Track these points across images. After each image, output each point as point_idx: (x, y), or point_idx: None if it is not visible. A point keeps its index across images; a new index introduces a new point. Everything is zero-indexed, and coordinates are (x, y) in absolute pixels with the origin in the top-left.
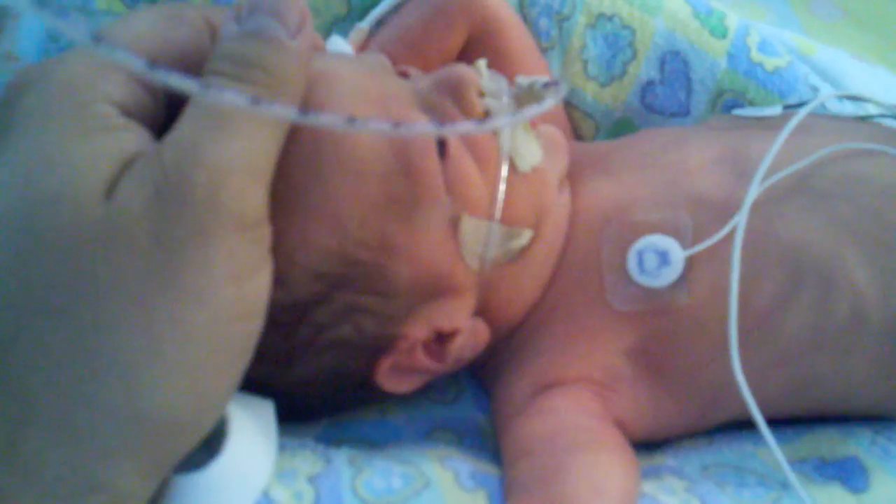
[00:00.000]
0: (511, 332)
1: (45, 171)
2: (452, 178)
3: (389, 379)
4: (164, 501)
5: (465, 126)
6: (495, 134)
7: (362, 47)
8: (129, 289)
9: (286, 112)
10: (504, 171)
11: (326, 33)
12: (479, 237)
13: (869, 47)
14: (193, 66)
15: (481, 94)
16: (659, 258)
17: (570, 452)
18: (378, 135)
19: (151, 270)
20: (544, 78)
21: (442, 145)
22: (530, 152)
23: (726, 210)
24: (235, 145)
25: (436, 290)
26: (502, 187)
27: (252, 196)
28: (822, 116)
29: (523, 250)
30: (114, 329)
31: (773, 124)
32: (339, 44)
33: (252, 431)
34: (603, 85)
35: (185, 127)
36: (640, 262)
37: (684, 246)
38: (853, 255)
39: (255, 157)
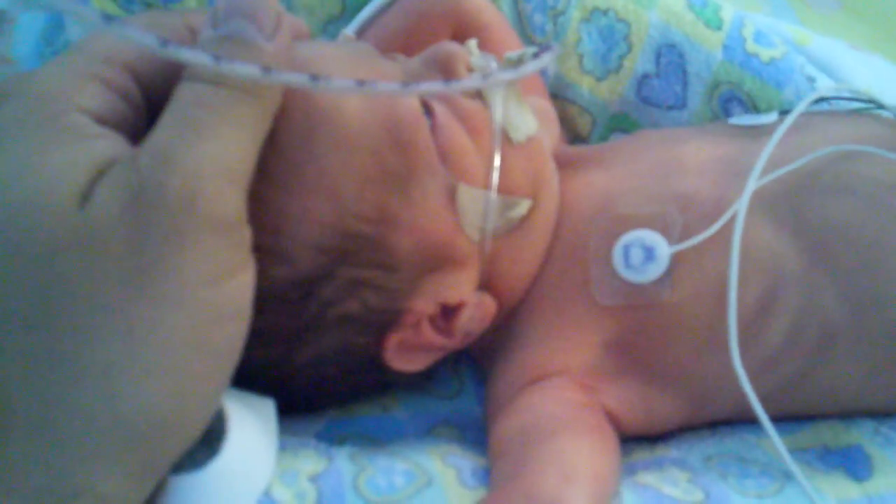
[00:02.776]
0: (511, 311)
1: (19, 180)
2: (444, 148)
3: (398, 356)
4: (163, 502)
5: (434, 86)
6: (486, 105)
7: None
8: (106, 294)
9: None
10: (497, 139)
11: (320, 33)
12: (478, 207)
13: (865, 38)
14: (174, 74)
15: (470, 70)
16: (645, 253)
17: (540, 442)
18: (368, 108)
19: (128, 276)
20: (533, 48)
21: (429, 113)
22: (524, 122)
23: (717, 210)
24: (211, 149)
25: (438, 261)
26: (497, 156)
27: (228, 199)
28: (819, 114)
29: (522, 220)
30: (91, 335)
31: (769, 130)
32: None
33: (252, 430)
34: (599, 79)
35: (160, 132)
36: (626, 257)
37: (671, 242)
38: (824, 276)
39: (230, 160)
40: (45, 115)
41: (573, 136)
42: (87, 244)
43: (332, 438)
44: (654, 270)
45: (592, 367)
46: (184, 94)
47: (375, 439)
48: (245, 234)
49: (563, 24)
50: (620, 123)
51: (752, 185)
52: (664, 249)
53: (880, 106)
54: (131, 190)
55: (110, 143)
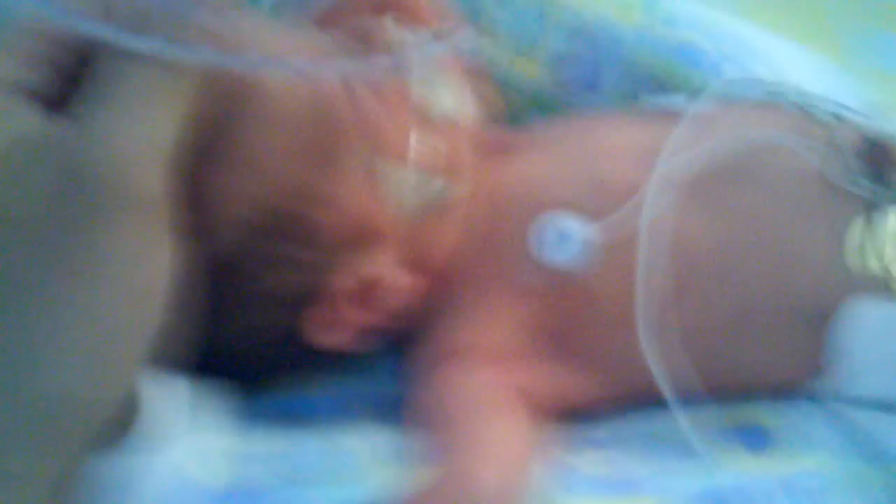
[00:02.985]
0: (433, 293)
1: None
2: (364, 124)
3: (318, 332)
4: (79, 483)
5: (348, 64)
6: (405, 83)
7: None
8: (27, 272)
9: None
10: (415, 118)
11: None
12: (396, 183)
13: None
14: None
15: (388, 47)
16: (559, 236)
17: (459, 424)
18: (290, 84)
19: (49, 253)
20: (447, 27)
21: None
22: (442, 101)
23: (629, 195)
24: (135, 127)
25: (358, 238)
26: (413, 133)
27: (152, 177)
28: (730, 102)
29: (440, 198)
30: (11, 315)
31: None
32: None
33: (165, 409)
34: (513, 60)
35: (83, 110)
36: (541, 239)
37: (585, 227)
38: (742, 259)
39: (155, 138)
40: None
41: (490, 114)
42: (7, 221)
43: (247, 416)
44: (568, 252)
45: (509, 346)
46: (106, 69)
47: (290, 416)
48: (167, 213)
49: (477, 5)
50: (536, 102)
51: (658, 176)
52: (578, 232)
53: (784, 95)
54: (55, 169)
55: (33, 117)
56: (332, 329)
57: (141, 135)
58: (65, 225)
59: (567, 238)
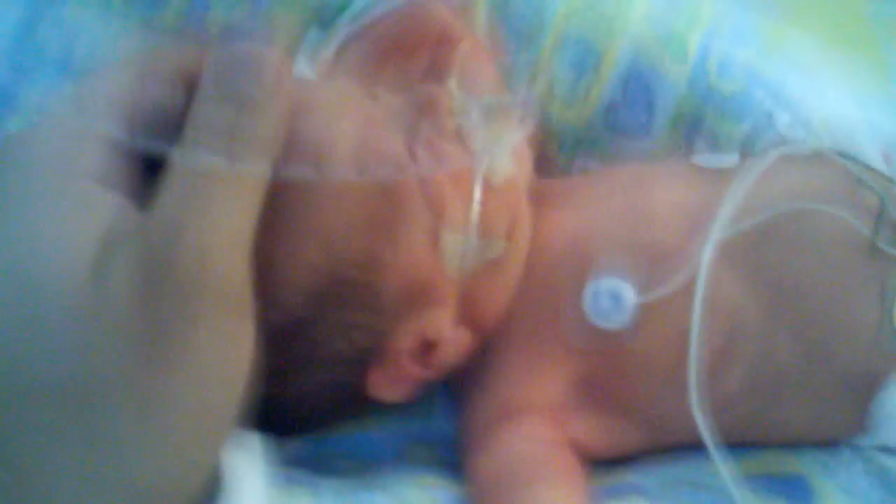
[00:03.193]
0: (485, 344)
1: (30, 258)
2: (428, 194)
3: (380, 389)
4: None
5: (426, 167)
6: (466, 148)
7: (327, 74)
8: (119, 369)
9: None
10: (478, 184)
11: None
12: (458, 249)
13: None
14: (171, 123)
15: (451, 113)
16: (612, 301)
17: (517, 489)
18: (358, 157)
19: (139, 351)
20: (512, 96)
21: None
22: (502, 164)
23: (682, 260)
24: (217, 220)
25: (420, 300)
26: (477, 201)
27: (235, 269)
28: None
29: (499, 259)
30: (104, 408)
31: (733, 175)
32: (302, 63)
33: (244, 470)
34: (568, 105)
35: (165, 202)
36: (595, 303)
37: (638, 292)
38: (789, 324)
39: (236, 229)
40: (51, 182)
41: (540, 156)
42: (99, 321)
43: (312, 461)
44: (620, 318)
45: (561, 401)
46: (185, 163)
47: (353, 459)
48: (248, 298)
49: (535, 50)
50: (586, 146)
51: (711, 245)
52: (630, 299)
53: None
54: (141, 265)
55: (118, 210)
56: (393, 385)
57: (221, 225)
58: (151, 318)
59: (620, 302)
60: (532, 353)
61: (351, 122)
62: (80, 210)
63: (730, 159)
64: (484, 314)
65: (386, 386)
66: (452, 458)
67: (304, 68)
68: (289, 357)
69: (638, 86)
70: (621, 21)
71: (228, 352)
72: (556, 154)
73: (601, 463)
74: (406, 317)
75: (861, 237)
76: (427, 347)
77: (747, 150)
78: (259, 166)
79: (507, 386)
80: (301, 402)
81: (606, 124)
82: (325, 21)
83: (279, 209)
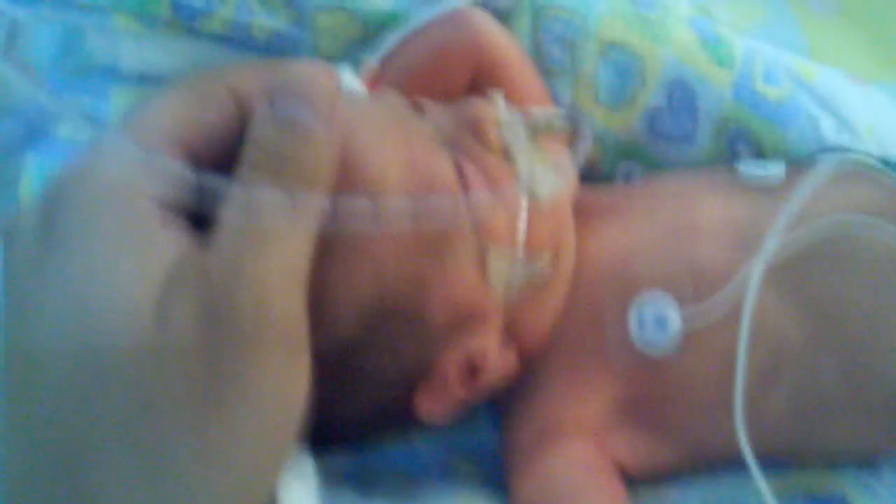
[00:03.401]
0: (529, 364)
1: (97, 293)
2: (476, 214)
3: (427, 408)
4: None
5: (480, 196)
6: (512, 164)
7: (372, 83)
8: (183, 409)
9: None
10: (524, 203)
11: (342, 55)
12: (504, 267)
13: (863, 43)
14: (227, 146)
15: (498, 128)
16: (657, 322)
17: None
18: (409, 178)
19: (203, 390)
20: (559, 110)
21: (461, 176)
22: (547, 181)
23: (726, 278)
24: (276, 257)
25: (467, 324)
26: (523, 219)
27: (293, 306)
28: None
29: (545, 276)
30: (170, 446)
31: (779, 190)
32: (350, 79)
33: (299, 498)
34: (612, 110)
35: (225, 238)
36: (640, 324)
37: (683, 311)
38: (833, 345)
39: (295, 265)
40: (115, 211)
41: (586, 169)
42: (164, 360)
43: (359, 475)
44: (665, 337)
45: (603, 423)
46: (244, 197)
47: (399, 474)
48: (304, 333)
49: (579, 56)
50: (629, 152)
51: (759, 269)
52: (676, 321)
53: (887, 164)
54: (203, 304)
55: (180, 240)
56: (439, 406)
57: (279, 262)
58: (212, 359)
59: (665, 323)
60: (575, 374)
61: (399, 143)
62: (142, 249)
63: (776, 172)
64: (529, 335)
65: (432, 408)
66: (497, 473)
67: (349, 78)
68: (336, 380)
69: (682, 91)
70: (665, 27)
71: (286, 389)
72: (599, 160)
73: (642, 479)
74: (453, 340)
75: None
76: (473, 369)
77: (792, 157)
78: (315, 199)
79: (549, 407)
80: (348, 421)
81: (650, 130)
82: (369, 30)
83: (328, 237)
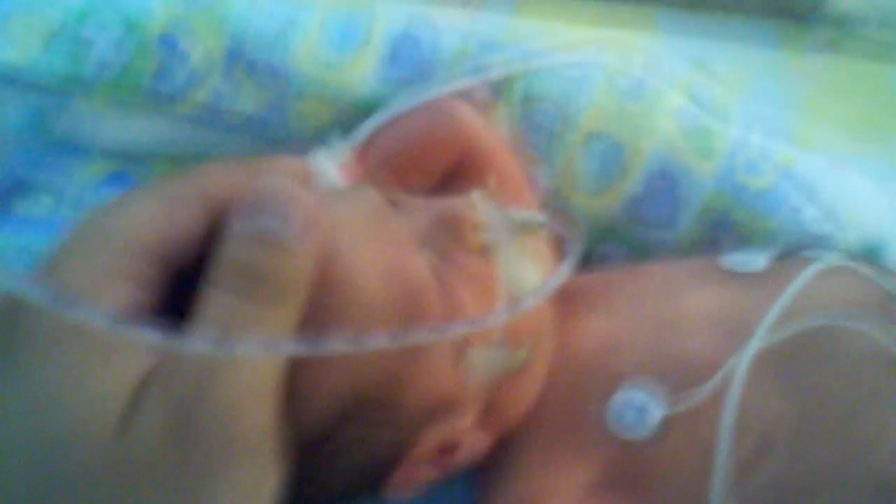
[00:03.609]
0: (505, 440)
1: (55, 407)
2: (452, 312)
3: (394, 490)
4: None
5: (464, 326)
6: (491, 263)
7: (348, 169)
8: None
9: (294, 348)
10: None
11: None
12: (482, 361)
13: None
14: (197, 252)
15: (476, 228)
16: (636, 413)
17: None
18: (384, 282)
19: (170, 498)
20: (540, 216)
21: (440, 280)
22: (527, 277)
23: (710, 371)
24: (245, 371)
25: (442, 412)
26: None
27: (263, 417)
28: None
29: (523, 364)
30: None
31: (763, 281)
32: (326, 165)
33: None
34: (592, 197)
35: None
36: (619, 415)
37: (665, 403)
38: (818, 439)
39: (264, 378)
40: (75, 330)
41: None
42: (126, 472)
43: None
44: (645, 428)
45: (581, 500)
46: (215, 302)
47: None
48: (276, 442)
49: (561, 146)
50: (610, 233)
51: (746, 362)
52: (655, 413)
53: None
54: (168, 416)
55: (145, 356)
56: (408, 482)
57: (249, 376)
58: (177, 471)
59: (645, 415)
60: (551, 455)
61: (378, 248)
62: (105, 353)
63: (758, 262)
64: (505, 416)
65: (400, 487)
66: None
67: (325, 164)
68: (305, 466)
69: (663, 180)
70: (650, 118)
71: (260, 489)
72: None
73: None
74: (427, 427)
75: (891, 353)
76: (445, 451)
77: (775, 244)
78: (287, 312)
79: (523, 486)
80: (316, 499)
81: (629, 216)
82: (347, 115)
83: (305, 328)
